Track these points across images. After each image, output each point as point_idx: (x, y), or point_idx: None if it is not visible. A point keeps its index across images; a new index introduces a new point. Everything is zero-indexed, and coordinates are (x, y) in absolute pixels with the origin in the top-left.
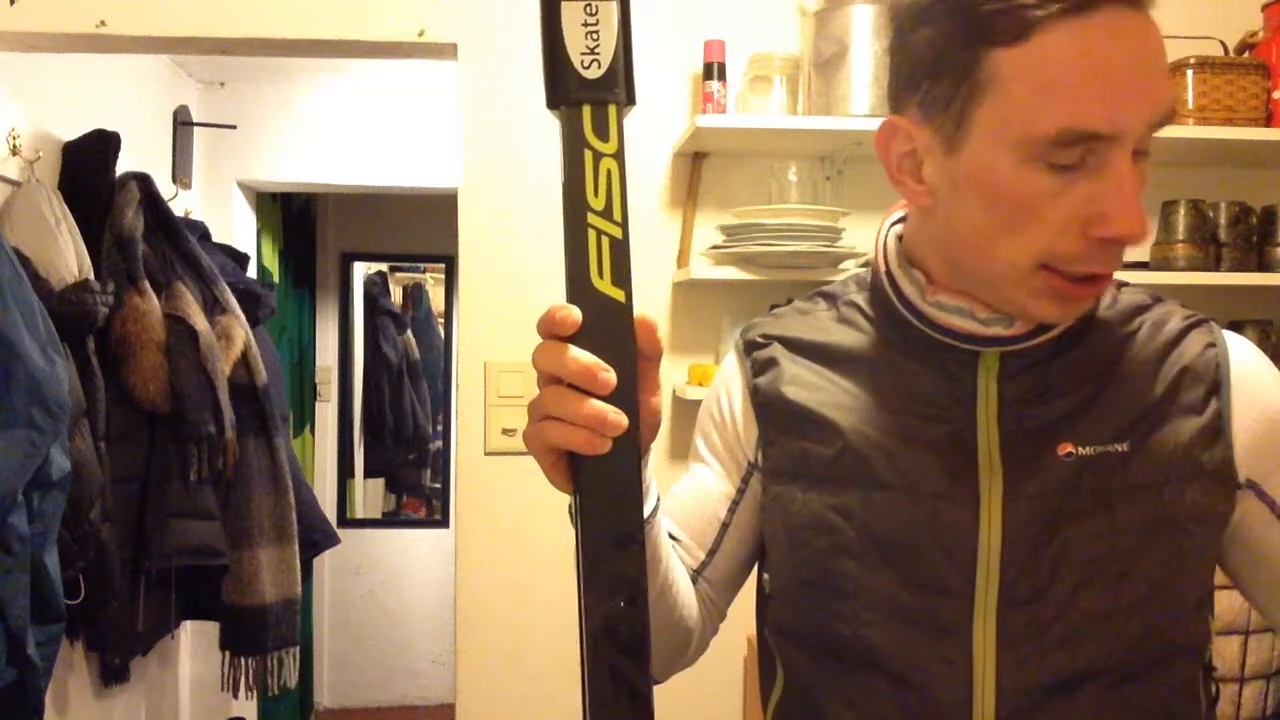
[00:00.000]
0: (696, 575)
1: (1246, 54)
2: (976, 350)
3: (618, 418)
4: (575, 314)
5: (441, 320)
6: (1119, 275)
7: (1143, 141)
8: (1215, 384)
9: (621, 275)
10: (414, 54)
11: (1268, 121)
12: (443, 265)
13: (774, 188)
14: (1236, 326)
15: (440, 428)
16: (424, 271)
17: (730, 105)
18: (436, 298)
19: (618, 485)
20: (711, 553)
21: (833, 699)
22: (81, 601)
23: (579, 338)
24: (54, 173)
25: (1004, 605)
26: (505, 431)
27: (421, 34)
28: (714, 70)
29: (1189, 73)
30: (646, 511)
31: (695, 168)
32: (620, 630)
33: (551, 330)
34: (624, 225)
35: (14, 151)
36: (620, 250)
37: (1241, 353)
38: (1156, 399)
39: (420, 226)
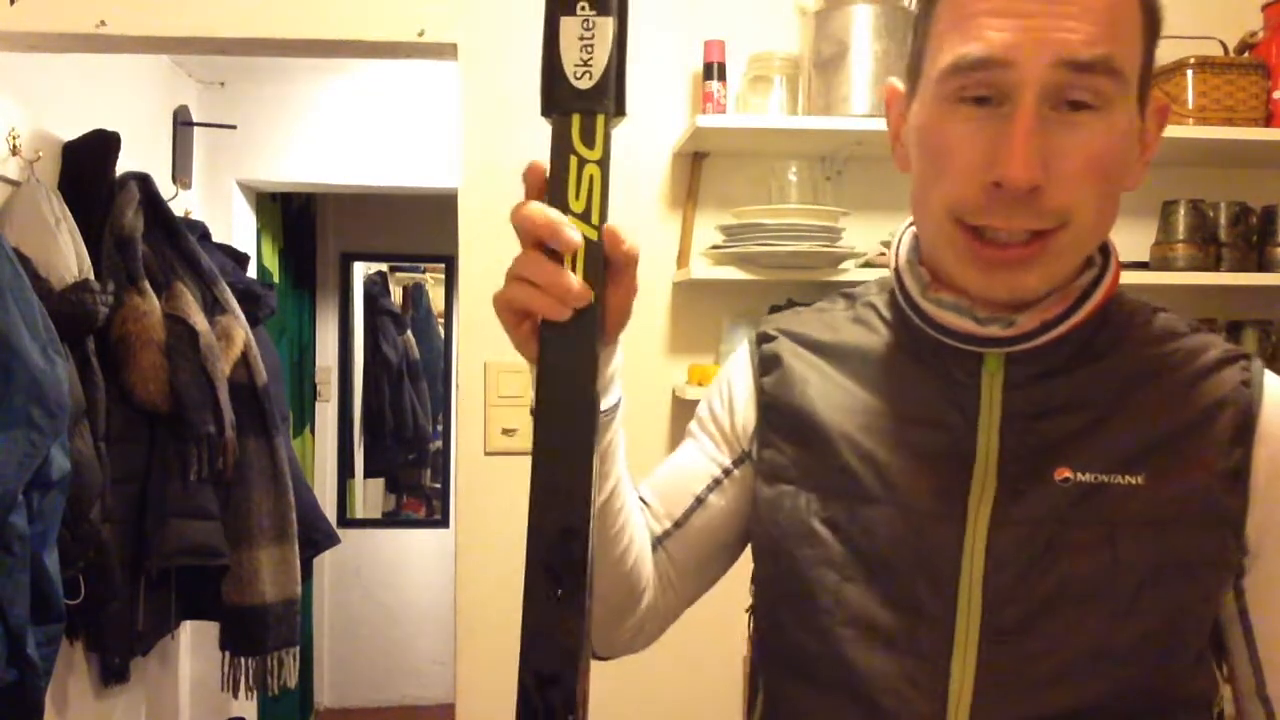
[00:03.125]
0: (658, 543)
1: (1246, 54)
2: (979, 352)
3: (583, 289)
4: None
5: (441, 320)
6: (1125, 279)
7: (1061, 89)
8: (1244, 427)
9: (595, 277)
10: (414, 54)
11: (1268, 121)
12: (443, 265)
13: (774, 188)
14: (1237, 326)
15: (440, 428)
16: (424, 271)
17: (730, 105)
18: (436, 298)
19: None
20: (678, 524)
21: None
22: (81, 601)
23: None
24: (54, 173)
25: (987, 636)
26: (505, 431)
27: (421, 34)
28: (714, 70)
29: (1189, 73)
30: (607, 405)
31: (695, 168)
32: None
33: (527, 187)
34: (600, 230)
35: (14, 151)
36: (594, 253)
37: (1277, 396)
38: (1181, 430)
39: (420, 226)
